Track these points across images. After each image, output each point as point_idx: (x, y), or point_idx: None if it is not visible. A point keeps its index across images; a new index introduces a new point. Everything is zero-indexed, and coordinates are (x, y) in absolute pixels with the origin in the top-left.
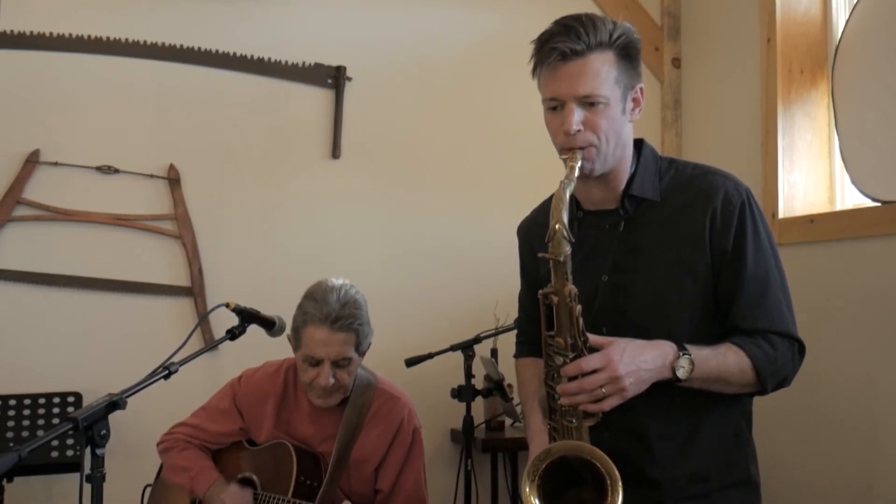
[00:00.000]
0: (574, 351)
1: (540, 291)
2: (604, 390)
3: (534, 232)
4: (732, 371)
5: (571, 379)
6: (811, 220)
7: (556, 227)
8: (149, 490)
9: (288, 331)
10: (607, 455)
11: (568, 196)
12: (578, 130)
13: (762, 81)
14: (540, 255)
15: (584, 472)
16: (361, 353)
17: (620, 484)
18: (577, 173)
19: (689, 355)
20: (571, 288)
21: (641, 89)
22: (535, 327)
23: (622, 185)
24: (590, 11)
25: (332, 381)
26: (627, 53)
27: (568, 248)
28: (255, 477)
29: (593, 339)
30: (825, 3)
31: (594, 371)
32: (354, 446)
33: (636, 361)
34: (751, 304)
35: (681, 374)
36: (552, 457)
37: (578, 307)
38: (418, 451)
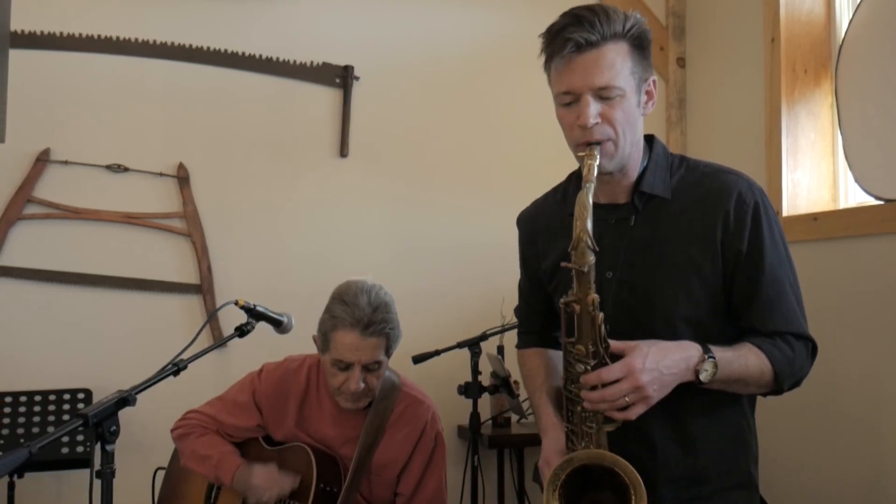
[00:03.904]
0: (595, 358)
1: (562, 300)
2: (627, 399)
3: (538, 223)
4: (753, 373)
5: (593, 388)
6: (815, 218)
7: (581, 236)
8: (160, 473)
9: (315, 332)
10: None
11: (591, 201)
12: (596, 123)
13: (766, 80)
14: (563, 264)
15: (601, 476)
16: (390, 356)
17: (644, 491)
18: (595, 172)
19: (714, 358)
20: (595, 297)
21: (654, 82)
22: (536, 317)
23: (632, 181)
24: None
25: (362, 385)
26: (640, 44)
27: (592, 258)
28: None
29: (614, 344)
30: (829, 3)
31: (614, 381)
32: (377, 451)
33: (659, 367)
34: (769, 307)
35: (704, 377)
36: (574, 465)
37: (601, 315)
38: (440, 456)
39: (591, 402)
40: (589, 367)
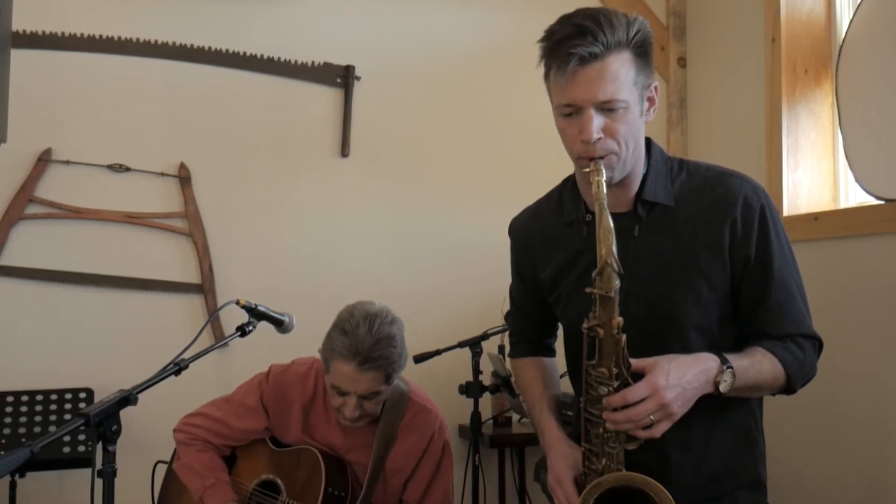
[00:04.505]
0: (618, 380)
1: (584, 325)
2: (653, 417)
3: (532, 231)
4: (767, 378)
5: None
6: (815, 217)
7: (608, 260)
8: (160, 466)
9: (319, 347)
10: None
11: (611, 222)
12: (599, 138)
13: (767, 80)
14: (588, 290)
15: (627, 495)
16: (392, 383)
17: None
18: (605, 189)
19: (732, 368)
20: (619, 320)
21: (656, 88)
22: (530, 325)
23: (634, 189)
24: None
25: (357, 413)
26: (644, 51)
27: (617, 283)
28: (279, 480)
29: (635, 362)
30: (829, 3)
31: (640, 400)
32: (387, 458)
33: (682, 382)
34: (779, 310)
35: (723, 388)
36: (603, 489)
37: (624, 337)
38: (447, 465)
39: (615, 423)
40: (612, 389)
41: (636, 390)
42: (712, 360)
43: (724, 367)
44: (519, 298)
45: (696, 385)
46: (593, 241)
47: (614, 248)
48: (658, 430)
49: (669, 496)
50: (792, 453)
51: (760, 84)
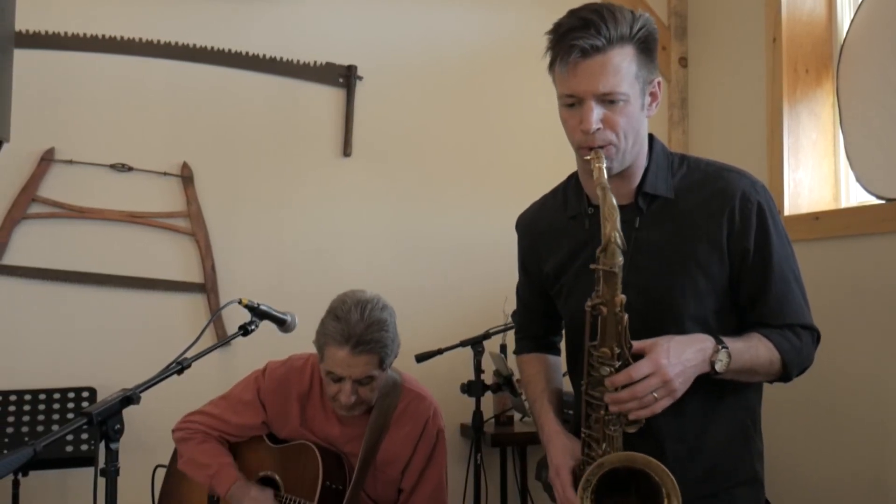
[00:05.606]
0: (620, 360)
1: (588, 303)
2: (655, 395)
3: (538, 226)
4: (763, 362)
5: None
6: (816, 217)
7: (612, 236)
8: (159, 471)
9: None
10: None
11: (615, 201)
12: (598, 129)
13: (768, 80)
14: (592, 266)
15: (626, 480)
16: (385, 368)
17: (678, 490)
18: (606, 175)
19: (727, 348)
20: (622, 298)
21: (659, 83)
22: (535, 322)
23: (636, 182)
24: None
25: (353, 399)
26: (647, 46)
27: (621, 259)
28: (277, 477)
29: (635, 344)
30: (830, 3)
31: (643, 377)
32: (381, 448)
33: (682, 360)
34: (778, 303)
35: (719, 367)
36: (605, 469)
37: (626, 316)
38: (441, 452)
39: (618, 402)
40: (614, 369)
41: (640, 367)
42: (708, 340)
43: (720, 347)
44: (525, 294)
45: (694, 363)
46: (595, 232)
47: (618, 225)
48: (659, 407)
49: (671, 475)
50: (791, 452)
51: (761, 84)
